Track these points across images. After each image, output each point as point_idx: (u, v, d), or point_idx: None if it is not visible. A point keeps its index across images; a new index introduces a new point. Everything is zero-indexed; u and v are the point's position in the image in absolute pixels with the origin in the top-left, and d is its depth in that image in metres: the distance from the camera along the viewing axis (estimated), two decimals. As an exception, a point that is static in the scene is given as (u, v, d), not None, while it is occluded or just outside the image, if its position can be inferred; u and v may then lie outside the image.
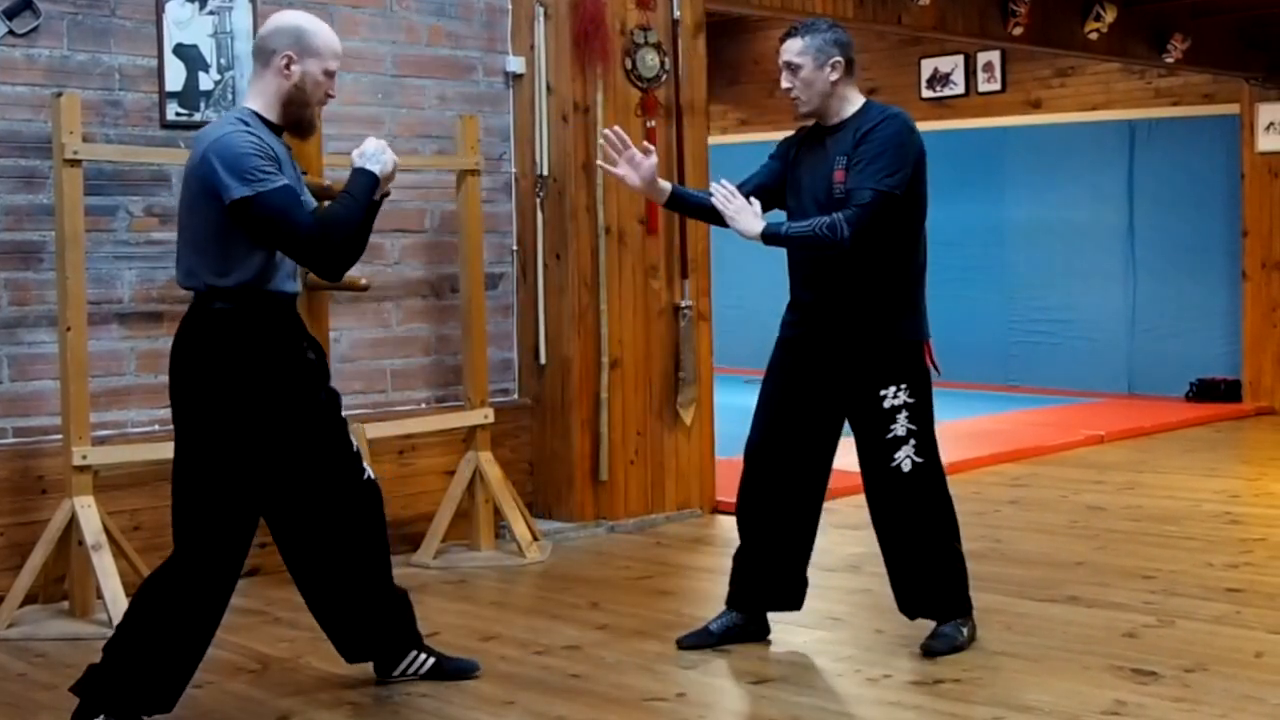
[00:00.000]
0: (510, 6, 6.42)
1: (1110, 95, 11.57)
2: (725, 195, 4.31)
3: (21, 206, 5.13)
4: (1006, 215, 11.99)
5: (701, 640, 4.55)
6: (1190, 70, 10.52)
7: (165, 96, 5.42)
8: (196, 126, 5.43)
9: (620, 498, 6.52)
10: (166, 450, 5.18)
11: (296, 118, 3.82)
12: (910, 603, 4.51)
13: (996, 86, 12.09)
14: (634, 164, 4.38)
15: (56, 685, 4.26)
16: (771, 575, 4.56)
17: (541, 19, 6.34)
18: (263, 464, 3.80)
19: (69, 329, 4.91)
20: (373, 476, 4.10)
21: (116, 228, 5.33)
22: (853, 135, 4.30)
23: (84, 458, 4.93)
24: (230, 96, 5.54)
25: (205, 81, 5.49)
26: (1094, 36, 9.31)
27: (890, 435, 4.36)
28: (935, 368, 4.48)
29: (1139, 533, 6.28)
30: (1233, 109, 10.86)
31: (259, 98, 3.79)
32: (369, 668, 4.26)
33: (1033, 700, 3.95)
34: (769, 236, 4.24)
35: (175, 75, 5.43)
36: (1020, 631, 4.63)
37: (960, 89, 12.28)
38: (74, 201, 4.92)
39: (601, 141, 4.46)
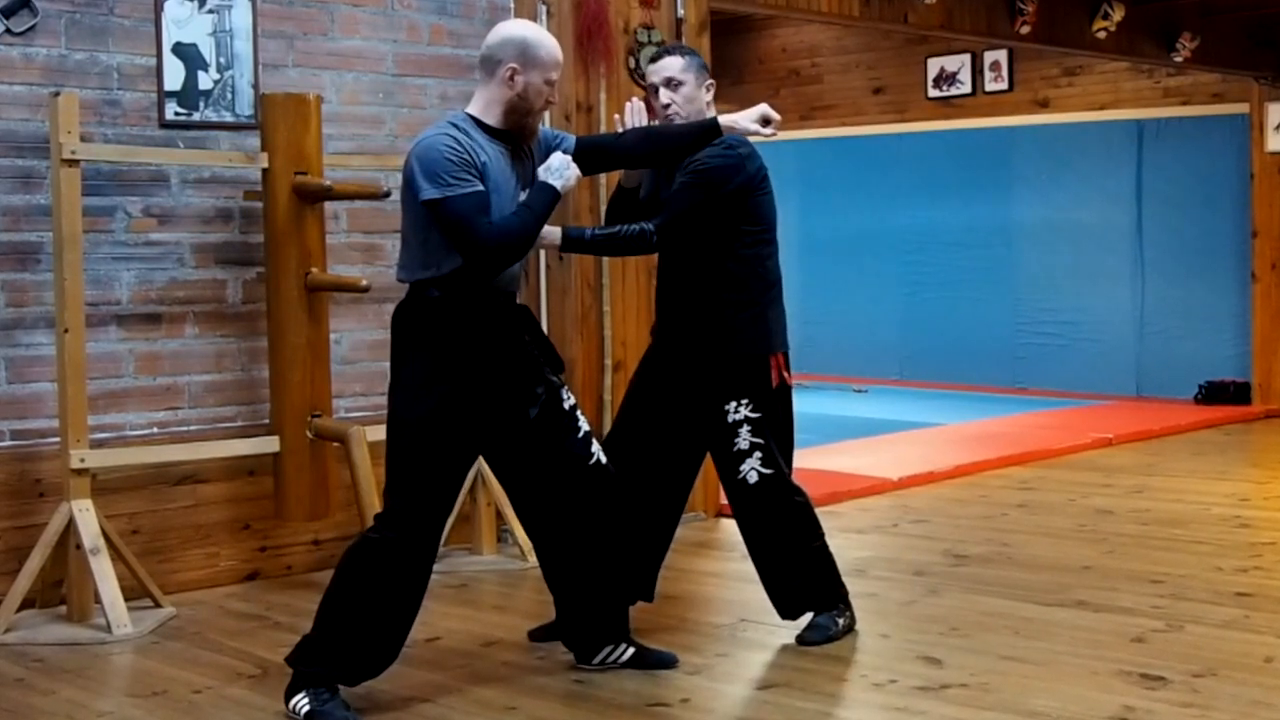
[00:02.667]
0: (512, 5, 6.39)
1: (1118, 94, 11.55)
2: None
3: (19, 207, 5.10)
4: (1013, 216, 11.98)
5: (549, 634, 4.58)
6: (1199, 69, 10.49)
7: (164, 96, 5.39)
8: (195, 126, 5.45)
9: (624, 501, 6.47)
10: (165, 453, 5.27)
11: (518, 124, 4.04)
12: (784, 604, 4.63)
13: (1004, 86, 12.07)
14: None
15: (54, 691, 4.26)
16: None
17: (544, 18, 6.31)
18: (462, 442, 4.02)
19: (67, 330, 4.89)
20: (603, 461, 4.24)
21: (115, 228, 5.31)
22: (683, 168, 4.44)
23: (82, 461, 4.90)
24: (230, 96, 5.51)
25: (204, 81, 5.47)
26: (1102, 35, 9.29)
27: (735, 449, 4.49)
28: (786, 380, 4.54)
29: (1147, 536, 6.26)
30: (1242, 108, 10.83)
31: (481, 104, 4.02)
32: (574, 657, 4.36)
33: (1040, 705, 3.93)
34: (570, 242, 4.38)
35: (174, 74, 5.40)
36: (1027, 636, 4.61)
37: (967, 88, 12.26)
38: (72, 202, 4.89)
39: (617, 117, 4.57)
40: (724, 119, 4.32)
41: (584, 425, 4.23)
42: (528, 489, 4.24)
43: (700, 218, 4.38)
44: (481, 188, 3.89)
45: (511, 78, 3.96)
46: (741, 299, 4.46)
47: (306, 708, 3.91)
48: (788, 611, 4.64)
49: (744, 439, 4.47)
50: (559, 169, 4.05)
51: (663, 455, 4.60)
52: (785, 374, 4.53)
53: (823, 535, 4.66)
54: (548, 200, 4.02)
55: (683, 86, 4.46)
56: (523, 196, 4.02)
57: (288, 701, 3.96)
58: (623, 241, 4.38)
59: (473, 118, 4.01)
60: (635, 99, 4.58)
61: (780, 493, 4.53)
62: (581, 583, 4.28)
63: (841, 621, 4.64)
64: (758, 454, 4.47)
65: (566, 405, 4.20)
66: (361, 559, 3.99)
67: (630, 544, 4.44)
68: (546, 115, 4.50)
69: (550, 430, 4.15)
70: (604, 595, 4.30)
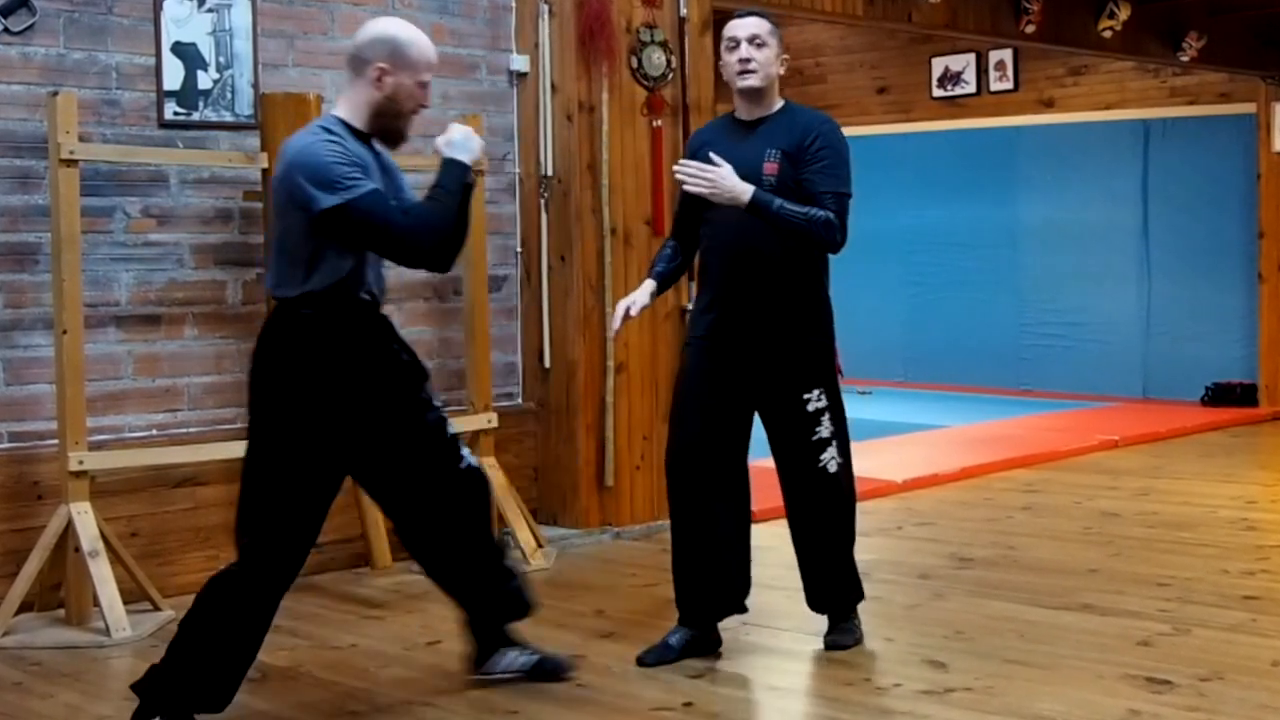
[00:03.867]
0: (514, 4, 6.39)
1: (1124, 94, 11.53)
2: (693, 173, 4.28)
3: (17, 207, 5.09)
4: (1019, 216, 11.95)
5: (663, 655, 4.49)
6: (1206, 69, 10.48)
7: (163, 95, 5.38)
8: (195, 126, 5.43)
9: (626, 504, 6.47)
10: (164, 455, 5.25)
11: (387, 128, 3.84)
12: (820, 599, 4.60)
13: (1009, 85, 12.06)
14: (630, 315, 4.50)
15: (52, 694, 4.25)
16: (716, 585, 4.53)
17: (546, 17, 6.30)
18: (340, 465, 3.85)
19: (65, 332, 4.87)
20: (475, 464, 4.11)
21: (113, 229, 5.29)
22: (790, 135, 4.34)
23: (80, 463, 4.89)
24: (229, 95, 5.50)
25: (204, 80, 5.45)
26: (1108, 34, 9.27)
27: (815, 438, 4.43)
28: (840, 371, 4.55)
29: (1153, 539, 6.24)
30: (1249, 108, 10.81)
31: (348, 106, 3.82)
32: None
33: (1046, 710, 3.92)
34: (758, 206, 4.24)
35: (173, 74, 5.39)
36: (1033, 640, 4.59)
37: (972, 88, 12.24)
38: (70, 202, 4.88)
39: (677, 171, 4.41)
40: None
41: (452, 429, 4.09)
42: (406, 502, 4.05)
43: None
44: (376, 185, 3.69)
45: (380, 79, 3.75)
46: (817, 286, 4.44)
47: None
48: (820, 605, 4.60)
49: (825, 427, 4.43)
50: (462, 142, 3.83)
51: (727, 455, 4.50)
52: (839, 365, 4.54)
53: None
54: (459, 177, 3.80)
55: (765, 48, 4.35)
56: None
57: None
58: (807, 227, 4.24)
59: (341, 120, 3.78)
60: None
61: (851, 484, 4.54)
62: (469, 589, 4.17)
63: (859, 623, 4.64)
64: (836, 443, 4.45)
65: (437, 413, 4.04)
66: (221, 591, 3.80)
67: (715, 555, 4.44)
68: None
69: (426, 440, 3.99)
70: (487, 595, 4.20)
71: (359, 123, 3.79)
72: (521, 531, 5.85)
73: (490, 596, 4.20)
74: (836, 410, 4.46)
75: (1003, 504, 7.09)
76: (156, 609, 5.08)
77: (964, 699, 4.03)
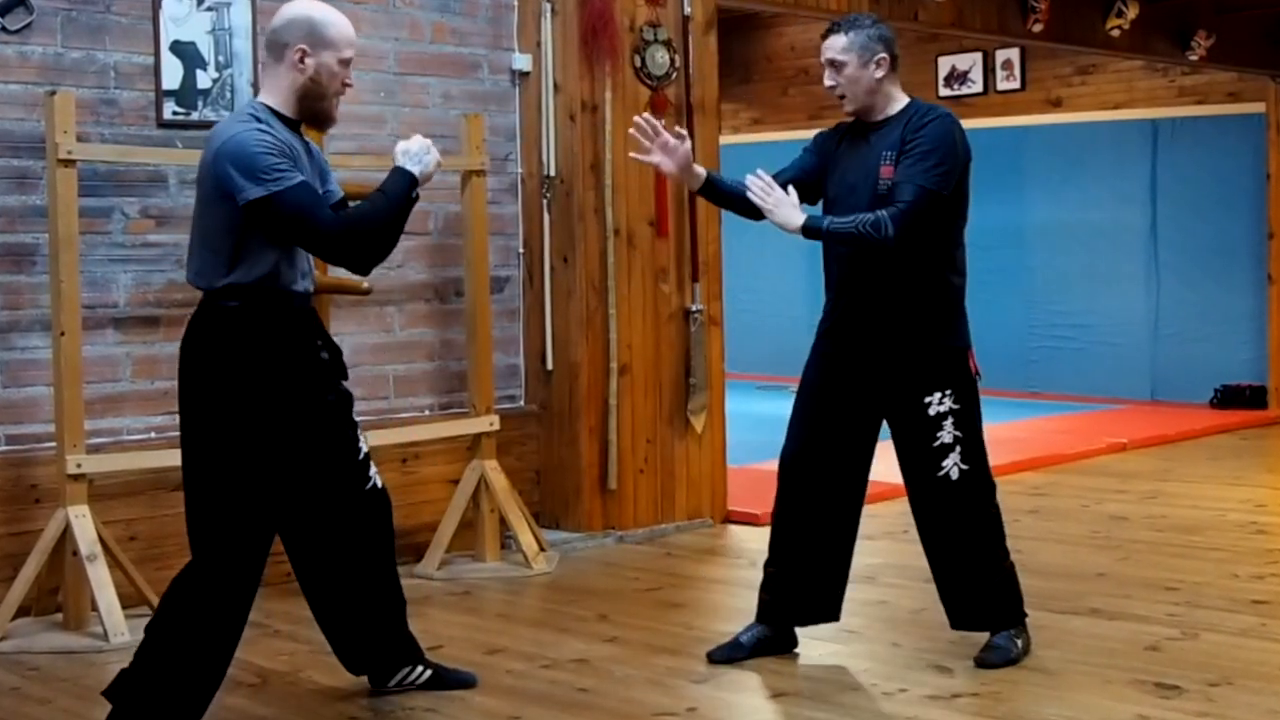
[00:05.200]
0: (516, 3, 6.36)
1: (1132, 94, 11.49)
2: (763, 187, 4.24)
3: (14, 208, 5.06)
4: (1026, 217, 11.92)
5: (733, 653, 4.48)
6: (1215, 68, 10.44)
7: (162, 95, 5.35)
8: (194, 125, 5.40)
9: (629, 507, 6.44)
10: (163, 458, 5.22)
11: (313, 110, 3.78)
12: (960, 615, 4.46)
13: (1016, 85, 12.03)
14: (667, 149, 4.34)
15: (50, 700, 4.24)
16: (807, 589, 4.50)
17: (548, 15, 6.27)
18: (270, 466, 3.73)
19: (63, 333, 4.85)
20: (380, 485, 4.06)
21: (112, 229, 5.26)
22: (900, 132, 4.26)
23: (78, 466, 4.86)
24: (229, 94, 5.48)
25: (203, 79, 5.43)
26: (1116, 33, 9.24)
27: (937, 443, 4.30)
28: (978, 374, 4.40)
29: (1162, 543, 6.22)
30: (1258, 107, 10.76)
31: (273, 92, 3.74)
32: (365, 678, 4.22)
33: (1053, 715, 3.90)
34: (810, 230, 4.19)
35: (172, 73, 5.36)
36: (1040, 645, 4.55)
37: (978, 87, 12.21)
38: (68, 203, 4.85)
39: (632, 131, 4.40)
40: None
41: (364, 447, 4.02)
42: (303, 514, 3.97)
43: (939, 204, 4.18)
44: (305, 177, 3.63)
45: (301, 60, 3.69)
46: (945, 287, 4.30)
47: None
48: (961, 622, 4.46)
49: (948, 432, 4.29)
50: (417, 154, 3.79)
51: (845, 464, 4.42)
52: (976, 368, 4.38)
53: (1009, 553, 4.47)
54: (404, 187, 3.74)
55: (845, 68, 4.28)
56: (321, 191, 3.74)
57: None
58: (857, 234, 4.14)
59: (268, 107, 3.72)
60: (646, 115, 4.40)
61: (982, 492, 4.37)
62: (364, 608, 4.07)
63: (1020, 642, 4.41)
64: (959, 448, 4.30)
65: (352, 423, 3.98)
66: (182, 597, 3.71)
67: (812, 560, 4.40)
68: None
69: (333, 449, 3.92)
70: (388, 618, 4.12)
71: (286, 109, 3.73)
72: (523, 535, 5.82)
73: (377, 631, 4.12)
74: (964, 415, 4.30)
75: (1010, 507, 6.87)
76: (155, 613, 5.05)
77: (970, 704, 4.00)
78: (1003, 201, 11.91)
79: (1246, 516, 6.77)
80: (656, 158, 4.35)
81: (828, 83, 4.35)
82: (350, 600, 4.05)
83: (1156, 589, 5.31)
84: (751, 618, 4.59)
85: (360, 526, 4.00)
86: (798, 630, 4.58)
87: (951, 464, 4.31)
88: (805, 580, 4.49)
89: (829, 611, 4.56)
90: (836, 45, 4.31)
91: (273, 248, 3.65)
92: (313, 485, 3.90)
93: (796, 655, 4.53)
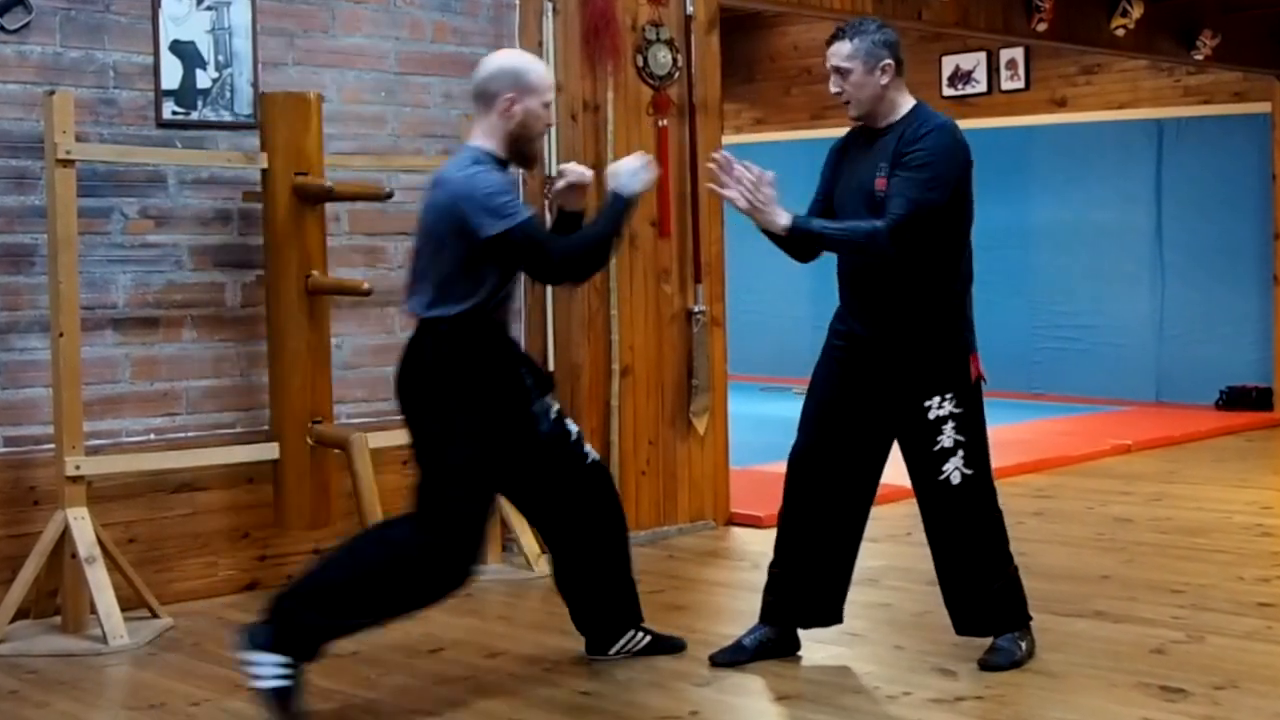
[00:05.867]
0: (517, 2, 6.33)
1: (1137, 93, 11.47)
2: (753, 181, 4.19)
3: (12, 208, 5.04)
4: (1030, 217, 11.90)
5: (735, 656, 4.47)
6: (1220, 67, 10.42)
7: (161, 95, 5.33)
8: (194, 125, 5.40)
9: (631, 509, 6.30)
10: (162, 460, 5.22)
11: (521, 151, 4.17)
12: (965, 621, 4.44)
13: (1020, 84, 12.01)
14: (744, 182, 4.22)
15: (49, 703, 4.22)
16: (811, 591, 4.49)
17: (550, 14, 6.24)
18: (490, 460, 4.09)
19: (61, 335, 4.83)
20: (596, 458, 4.45)
21: (111, 230, 5.24)
22: (896, 144, 4.23)
23: (77, 468, 4.85)
24: (229, 94, 5.45)
25: (202, 79, 5.41)
26: (1120, 33, 9.23)
27: (938, 447, 4.29)
28: (983, 377, 4.38)
29: (1167, 545, 6.20)
30: (1264, 107, 10.74)
31: (485, 137, 4.11)
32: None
33: (1057, 718, 3.89)
34: (798, 230, 4.20)
35: (171, 73, 5.34)
36: (1044, 648, 4.53)
37: (982, 87, 12.20)
38: (67, 203, 4.84)
39: (711, 165, 4.34)
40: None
41: (573, 429, 4.40)
42: (541, 502, 4.39)
43: (934, 215, 4.16)
44: (533, 211, 4.07)
45: (510, 107, 4.05)
46: (947, 291, 4.28)
47: (279, 680, 3.85)
48: (965, 628, 4.44)
49: (948, 436, 4.27)
50: (630, 174, 4.18)
51: (852, 467, 4.42)
52: (981, 372, 4.36)
53: (1012, 557, 4.45)
54: (620, 211, 4.16)
55: (850, 75, 4.27)
56: None
57: (255, 646, 3.88)
58: (853, 243, 4.19)
59: (485, 151, 4.08)
60: (724, 153, 4.32)
61: (984, 496, 4.36)
62: (599, 577, 4.42)
63: (1024, 645, 4.39)
64: (961, 452, 4.28)
65: (557, 413, 4.36)
66: (407, 564, 3.99)
67: (816, 562, 4.47)
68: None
69: (554, 441, 4.31)
70: (619, 585, 4.46)
71: (498, 151, 4.10)
72: (525, 537, 5.80)
73: (611, 596, 4.48)
74: (965, 419, 4.28)
75: (1014, 509, 6.90)
76: (155, 616, 5.04)
77: (974, 708, 3.99)
78: (1007, 202, 11.90)
79: (1252, 519, 6.75)
80: (732, 192, 4.24)
81: (833, 89, 4.33)
82: (590, 567, 4.42)
83: (1162, 591, 5.30)
84: (754, 620, 4.58)
85: (590, 498, 4.38)
86: (801, 633, 4.56)
87: (953, 468, 4.29)
88: (809, 582, 4.47)
89: (831, 614, 4.54)
90: (842, 52, 4.29)
91: (497, 278, 4.02)
92: (539, 473, 4.30)
93: (799, 658, 4.52)
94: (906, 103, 4.33)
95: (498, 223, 3.90)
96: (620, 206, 4.15)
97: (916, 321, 4.27)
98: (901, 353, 4.28)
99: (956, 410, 4.27)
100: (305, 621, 3.90)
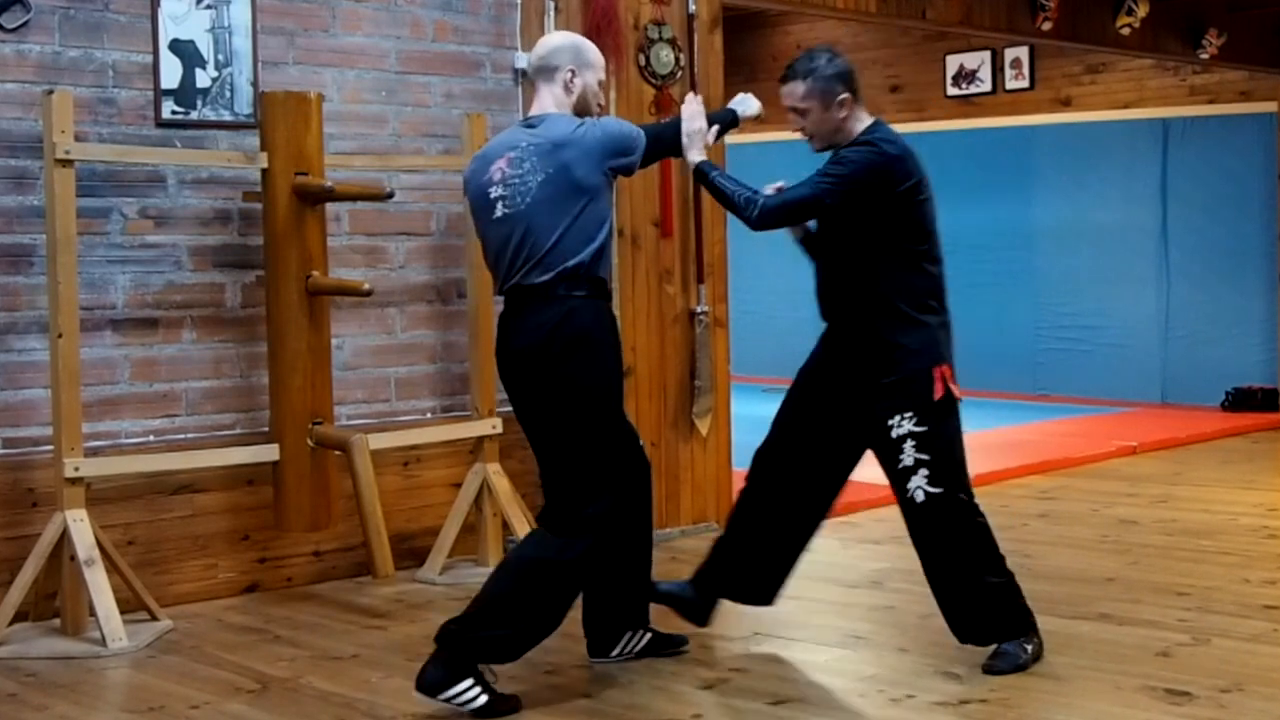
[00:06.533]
0: (519, 1, 6.29)
1: (1143, 92, 11.45)
2: (695, 110, 4.48)
3: (11, 208, 5.02)
4: (1035, 217, 11.88)
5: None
6: (1226, 66, 10.41)
7: (161, 94, 5.31)
8: (193, 125, 5.39)
9: (635, 510, 6.36)
10: (162, 462, 5.20)
11: None
12: (961, 629, 4.45)
13: (1024, 84, 11.98)
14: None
15: (48, 706, 4.21)
16: (746, 570, 4.61)
17: (552, 13, 6.23)
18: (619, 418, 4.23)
19: (60, 335, 4.82)
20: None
21: (110, 230, 5.22)
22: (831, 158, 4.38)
23: (76, 469, 4.83)
24: (228, 93, 5.43)
25: (202, 78, 5.39)
26: (1126, 32, 9.22)
27: (900, 466, 4.31)
28: (954, 393, 4.34)
29: (1173, 547, 6.18)
30: (1270, 107, 10.75)
31: (559, 109, 4.20)
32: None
33: None
34: (699, 172, 4.41)
35: (171, 72, 5.32)
36: (1049, 650, 4.52)
37: (987, 86, 12.18)
38: (66, 203, 4.82)
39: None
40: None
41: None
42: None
43: (820, 213, 4.31)
44: None
45: (571, 79, 4.18)
46: (904, 309, 4.31)
47: (483, 699, 3.95)
48: (965, 637, 4.43)
49: (908, 455, 4.28)
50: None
51: (815, 463, 4.51)
52: (952, 386, 4.34)
53: (1005, 567, 4.42)
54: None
55: (809, 114, 4.35)
56: None
57: (440, 688, 3.95)
58: (730, 200, 4.33)
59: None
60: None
61: (952, 512, 4.32)
62: (621, 578, 4.39)
63: (1030, 648, 4.38)
64: (924, 471, 4.28)
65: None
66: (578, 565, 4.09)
67: (760, 552, 4.57)
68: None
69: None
70: (637, 588, 4.45)
71: None
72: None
73: (624, 594, 4.45)
74: (928, 437, 4.27)
75: (1018, 511, 7.03)
76: (154, 619, 5.02)
77: (978, 711, 3.97)
78: (1011, 202, 11.89)
79: (1258, 520, 6.73)
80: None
81: (794, 127, 4.41)
82: (615, 567, 4.36)
83: (1167, 594, 5.28)
84: (758, 624, 4.61)
85: (635, 492, 4.34)
86: (797, 640, 4.58)
87: (915, 486, 4.28)
88: (747, 563, 4.59)
89: (761, 596, 4.65)
90: (796, 93, 4.34)
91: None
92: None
93: (805, 662, 4.51)
94: (864, 123, 4.38)
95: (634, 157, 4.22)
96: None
97: (874, 340, 4.33)
98: (864, 371, 4.35)
99: (917, 429, 4.27)
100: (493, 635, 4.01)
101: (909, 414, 4.28)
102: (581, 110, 4.20)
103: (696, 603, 4.64)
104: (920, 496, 4.28)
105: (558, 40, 4.29)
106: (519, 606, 4.02)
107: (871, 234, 4.29)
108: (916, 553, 4.43)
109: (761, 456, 4.56)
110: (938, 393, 4.28)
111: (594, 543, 4.09)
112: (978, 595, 4.36)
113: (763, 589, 4.65)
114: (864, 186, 4.23)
